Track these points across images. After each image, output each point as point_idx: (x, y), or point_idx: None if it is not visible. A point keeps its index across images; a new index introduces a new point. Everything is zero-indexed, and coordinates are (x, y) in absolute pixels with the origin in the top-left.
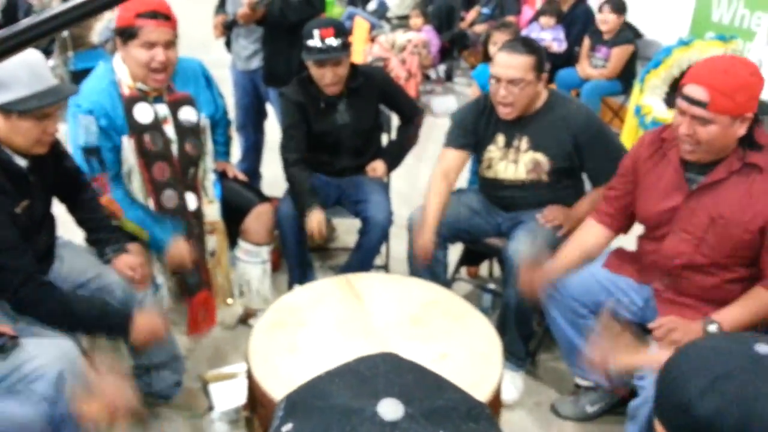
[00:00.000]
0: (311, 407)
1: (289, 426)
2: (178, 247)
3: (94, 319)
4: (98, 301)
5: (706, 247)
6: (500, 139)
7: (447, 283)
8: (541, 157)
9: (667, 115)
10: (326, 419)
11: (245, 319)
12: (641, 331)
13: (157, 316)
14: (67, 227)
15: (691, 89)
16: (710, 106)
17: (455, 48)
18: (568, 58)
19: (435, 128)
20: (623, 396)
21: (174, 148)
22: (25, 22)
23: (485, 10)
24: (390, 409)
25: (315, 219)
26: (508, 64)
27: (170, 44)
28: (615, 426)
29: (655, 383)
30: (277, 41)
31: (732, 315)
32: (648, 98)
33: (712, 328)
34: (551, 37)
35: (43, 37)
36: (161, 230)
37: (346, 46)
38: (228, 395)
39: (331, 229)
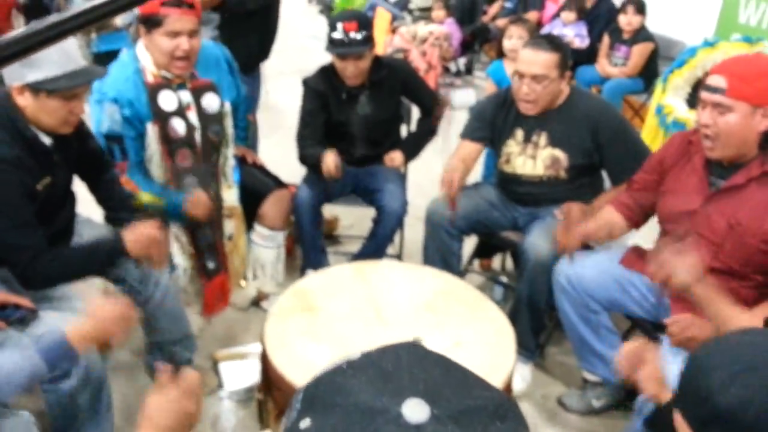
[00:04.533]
0: (331, 403)
1: (307, 422)
2: (197, 197)
3: (89, 256)
4: (85, 242)
5: (723, 254)
6: (519, 133)
7: (460, 274)
8: (559, 153)
9: (688, 115)
10: (348, 418)
11: (257, 301)
12: (653, 328)
13: (149, 225)
14: (87, 205)
15: (711, 79)
16: (728, 91)
17: (476, 41)
18: (590, 55)
19: (453, 122)
20: (630, 391)
21: (197, 135)
22: (51, 19)
23: (508, 4)
24: (415, 410)
25: (330, 157)
26: (532, 60)
27: (194, 33)
28: (621, 421)
29: (679, 375)
30: (235, 28)
31: (748, 320)
32: (670, 98)
33: None
34: (573, 33)
35: (67, 34)
36: (176, 193)
37: (368, 40)
38: (238, 375)
39: (335, 219)
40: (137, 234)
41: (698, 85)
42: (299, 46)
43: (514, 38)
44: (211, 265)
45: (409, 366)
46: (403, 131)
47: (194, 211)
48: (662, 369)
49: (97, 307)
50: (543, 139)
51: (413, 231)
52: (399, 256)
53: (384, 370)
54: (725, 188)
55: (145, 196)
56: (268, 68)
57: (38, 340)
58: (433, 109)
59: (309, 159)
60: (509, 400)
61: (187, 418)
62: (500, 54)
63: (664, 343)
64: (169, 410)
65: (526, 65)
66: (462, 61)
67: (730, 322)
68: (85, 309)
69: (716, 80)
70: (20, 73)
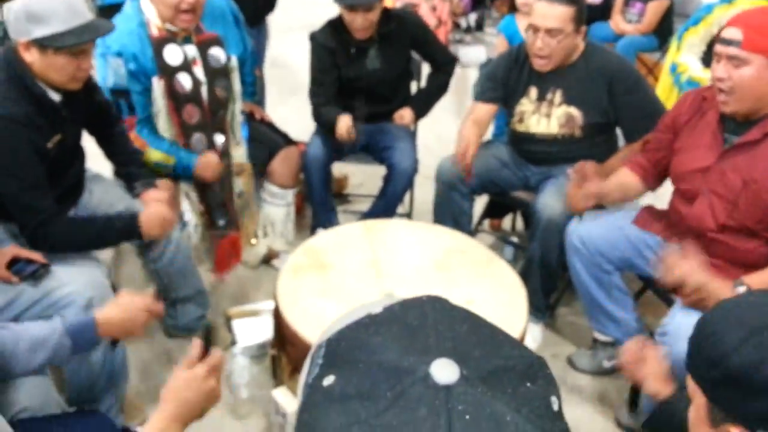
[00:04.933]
0: (355, 360)
1: (331, 379)
2: (207, 158)
3: (102, 231)
4: (102, 215)
5: (738, 212)
6: (533, 92)
7: (470, 234)
8: (574, 111)
9: (702, 74)
10: (373, 376)
11: (268, 259)
12: (665, 289)
13: (163, 205)
14: (96, 160)
15: (727, 32)
16: (744, 44)
17: None
18: (604, 11)
19: (463, 79)
20: None
21: (203, 90)
22: None
23: None
24: (445, 370)
25: (343, 121)
26: (548, 13)
27: None
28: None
29: (690, 339)
30: None
31: (763, 279)
32: (685, 56)
33: (741, 289)
34: None
35: None
36: (187, 153)
37: None
38: (250, 331)
39: (345, 178)
40: (153, 216)
41: (714, 44)
42: (306, 1)
43: None
44: (221, 222)
45: (435, 322)
46: (413, 88)
47: (204, 173)
48: (664, 366)
49: (125, 298)
50: (558, 96)
51: (423, 190)
52: (409, 215)
53: (409, 326)
54: (740, 144)
55: (154, 154)
56: (274, 23)
57: (65, 318)
58: (444, 65)
59: (324, 121)
60: (539, 359)
61: (210, 397)
62: (512, 8)
63: (676, 304)
64: (195, 388)
65: (541, 18)
66: (473, 17)
67: None
68: (112, 299)
69: (731, 32)
70: (26, 29)
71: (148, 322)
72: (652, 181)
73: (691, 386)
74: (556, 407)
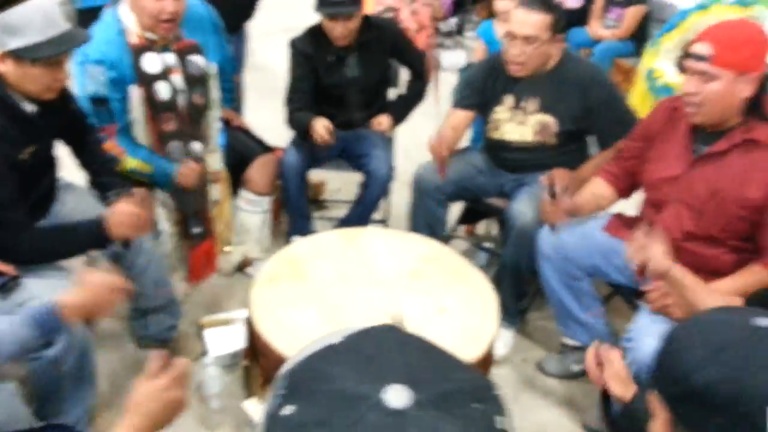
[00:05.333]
0: (315, 391)
1: (290, 409)
2: (189, 167)
3: (70, 239)
4: (68, 223)
5: (704, 220)
6: (509, 100)
7: (445, 240)
8: (549, 119)
9: (677, 80)
10: (331, 405)
11: (243, 267)
12: (633, 295)
13: (131, 205)
14: (69, 170)
15: (697, 47)
16: (714, 59)
17: (468, 1)
18: (582, 17)
19: (442, 84)
20: None
21: (181, 98)
22: None
23: None
24: (397, 396)
25: (320, 123)
26: (525, 21)
27: None
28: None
29: (656, 355)
30: None
31: (726, 287)
32: (660, 62)
33: None
34: None
35: None
36: (166, 162)
37: (358, 0)
38: (222, 341)
39: (322, 184)
40: (119, 215)
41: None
42: (287, 4)
43: None
44: (196, 230)
45: (389, 350)
46: (391, 94)
47: (185, 181)
48: (625, 368)
49: (88, 277)
50: (533, 104)
51: (400, 195)
52: (385, 222)
53: (365, 354)
54: (707, 154)
55: (132, 162)
56: (254, 27)
57: (27, 309)
58: (423, 73)
59: (297, 125)
60: (487, 381)
61: (175, 407)
62: (491, 14)
63: (642, 309)
64: (158, 399)
65: (519, 25)
66: (453, 21)
67: (705, 303)
68: (74, 278)
69: (701, 48)
70: (2, 40)
71: (117, 301)
72: (624, 189)
73: (655, 401)
74: (499, 425)
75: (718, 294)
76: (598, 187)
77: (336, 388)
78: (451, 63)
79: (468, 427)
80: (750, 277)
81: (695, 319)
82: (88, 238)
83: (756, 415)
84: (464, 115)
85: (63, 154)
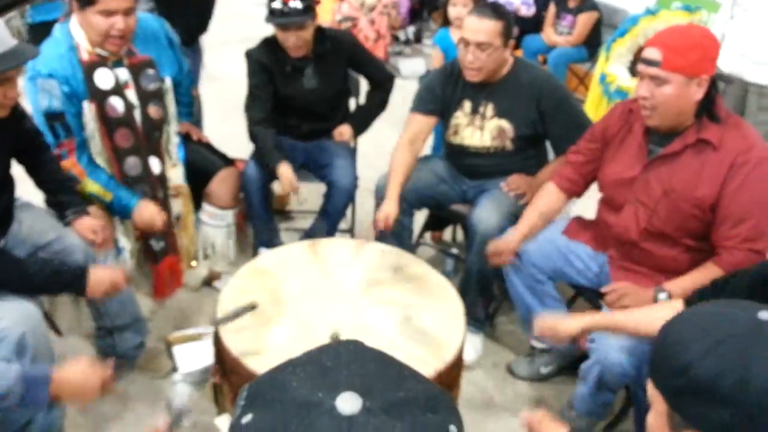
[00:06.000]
0: (271, 399)
1: (249, 417)
2: (148, 209)
3: (49, 278)
4: (51, 262)
5: (656, 219)
6: (467, 105)
7: (411, 248)
8: (505, 124)
9: (630, 83)
10: (285, 412)
11: (209, 281)
12: (595, 296)
13: (115, 269)
14: (26, 189)
15: (647, 51)
16: (663, 64)
17: (425, 9)
18: (536, 24)
19: (402, 91)
20: (576, 357)
21: (137, 114)
22: None
23: None
24: (348, 403)
25: (285, 172)
26: (477, 28)
27: (130, 11)
28: (567, 386)
29: (652, 347)
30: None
31: (683, 285)
32: (613, 66)
33: (663, 296)
34: (520, 0)
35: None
36: (127, 193)
37: (309, 9)
38: (192, 357)
39: (287, 195)
40: (102, 278)
41: (640, 54)
42: (243, 13)
43: (458, 6)
44: (158, 246)
45: (347, 362)
46: (352, 105)
47: (142, 221)
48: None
49: (87, 365)
50: (490, 109)
51: (364, 202)
52: (351, 231)
53: (323, 366)
54: (662, 155)
55: (92, 185)
56: (211, 37)
57: (24, 364)
58: (382, 83)
59: (260, 148)
60: (443, 392)
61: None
62: (446, 22)
63: (605, 311)
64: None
65: (471, 33)
66: (411, 30)
67: (652, 324)
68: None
69: (651, 53)
70: None
71: (100, 394)
72: (578, 191)
73: (652, 393)
74: None
75: (662, 309)
76: (546, 204)
77: (291, 396)
78: (411, 71)
79: None
80: (705, 274)
81: (690, 312)
82: (63, 284)
83: (758, 406)
84: (425, 121)
85: (18, 172)
